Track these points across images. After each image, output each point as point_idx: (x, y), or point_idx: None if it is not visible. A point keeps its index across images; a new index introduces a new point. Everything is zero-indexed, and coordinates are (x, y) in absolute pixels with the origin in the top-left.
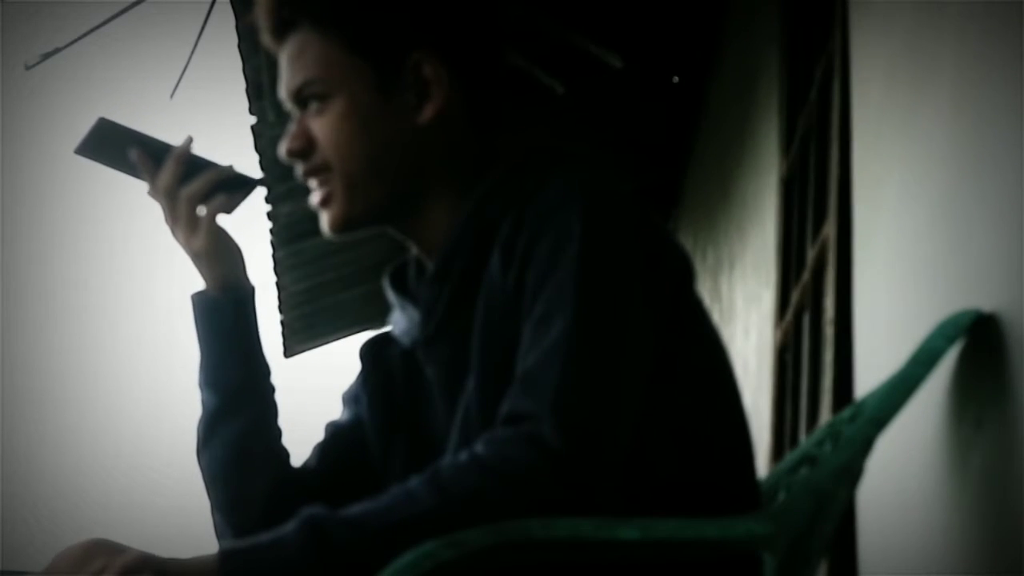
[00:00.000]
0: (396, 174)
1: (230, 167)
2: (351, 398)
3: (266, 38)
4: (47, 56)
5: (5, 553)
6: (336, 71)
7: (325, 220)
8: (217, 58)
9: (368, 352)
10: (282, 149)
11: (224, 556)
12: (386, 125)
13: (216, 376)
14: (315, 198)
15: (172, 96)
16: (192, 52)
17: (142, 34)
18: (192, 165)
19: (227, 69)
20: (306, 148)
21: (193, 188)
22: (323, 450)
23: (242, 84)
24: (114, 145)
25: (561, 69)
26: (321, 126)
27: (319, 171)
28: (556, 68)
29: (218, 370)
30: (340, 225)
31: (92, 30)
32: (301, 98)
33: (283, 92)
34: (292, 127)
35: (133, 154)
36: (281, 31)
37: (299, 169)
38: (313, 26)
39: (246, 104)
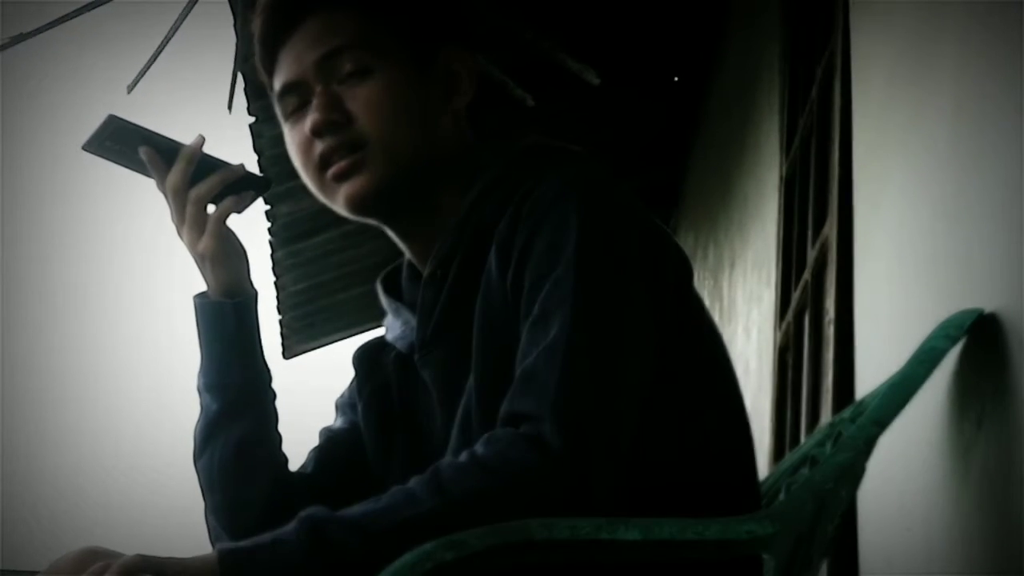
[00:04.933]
0: (425, 156)
1: (241, 167)
2: (346, 405)
3: (273, 26)
4: (13, 41)
5: (5, 553)
6: (377, 43)
7: (349, 190)
8: (215, 58)
9: (362, 359)
10: (314, 120)
11: (224, 556)
12: (423, 106)
13: (217, 380)
14: (336, 168)
15: (130, 91)
16: (160, 48)
17: (144, 34)
18: (203, 165)
19: (224, 69)
20: (342, 118)
21: (203, 189)
22: (320, 456)
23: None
24: (123, 142)
25: (560, 68)
26: (365, 93)
27: (352, 143)
28: (555, 67)
29: (220, 374)
30: (367, 194)
31: (64, 18)
32: (333, 66)
33: (295, 70)
34: (318, 101)
35: (143, 152)
36: (298, 15)
37: (325, 144)
38: (345, 7)
39: (236, 102)
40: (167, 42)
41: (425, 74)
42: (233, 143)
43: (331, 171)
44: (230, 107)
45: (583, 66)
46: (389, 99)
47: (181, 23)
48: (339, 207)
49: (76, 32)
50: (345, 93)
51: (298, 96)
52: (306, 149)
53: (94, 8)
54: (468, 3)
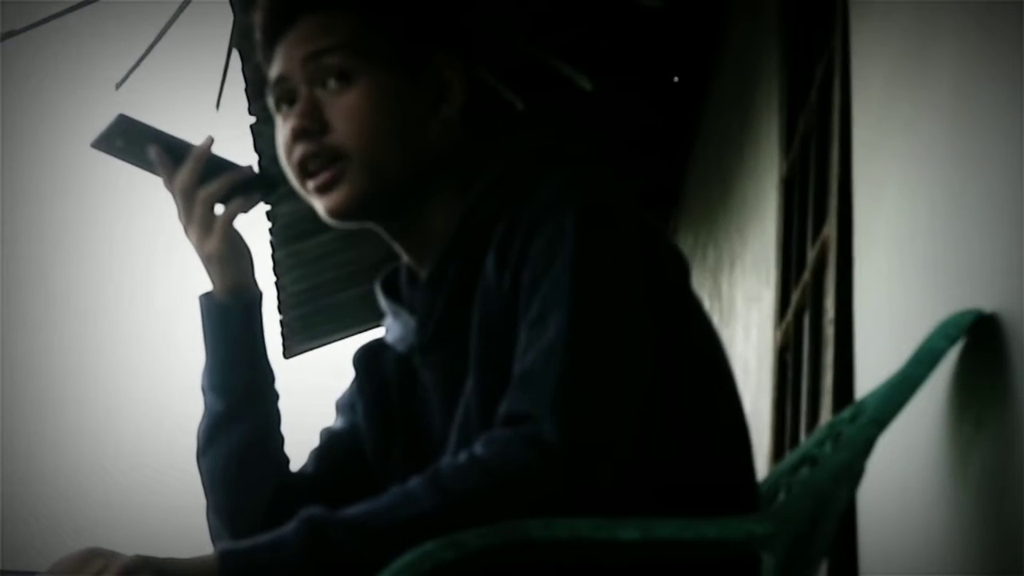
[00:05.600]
0: (411, 165)
1: (250, 168)
2: (345, 406)
3: (271, 19)
4: (5, 36)
5: (5, 553)
6: (365, 49)
7: (329, 202)
8: (213, 58)
9: (362, 360)
10: (291, 125)
11: (224, 556)
12: (409, 113)
13: (222, 380)
14: (316, 181)
15: (118, 88)
16: (151, 47)
17: (145, 33)
18: (212, 165)
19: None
20: (319, 127)
21: (211, 189)
22: (320, 457)
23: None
24: (132, 141)
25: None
26: (345, 103)
27: (329, 153)
28: (555, 69)
29: (224, 374)
30: (348, 207)
31: (51, 17)
32: (317, 69)
33: (285, 65)
34: (299, 105)
35: (152, 151)
36: (296, 11)
37: (303, 149)
38: (344, 7)
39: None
40: (158, 40)
41: (415, 80)
42: (231, 143)
43: (310, 183)
44: (218, 105)
45: (576, 72)
46: (369, 110)
47: (172, 23)
48: (321, 214)
49: (76, 32)
50: (327, 100)
51: (285, 92)
52: (288, 150)
53: (83, 7)
54: (466, 10)
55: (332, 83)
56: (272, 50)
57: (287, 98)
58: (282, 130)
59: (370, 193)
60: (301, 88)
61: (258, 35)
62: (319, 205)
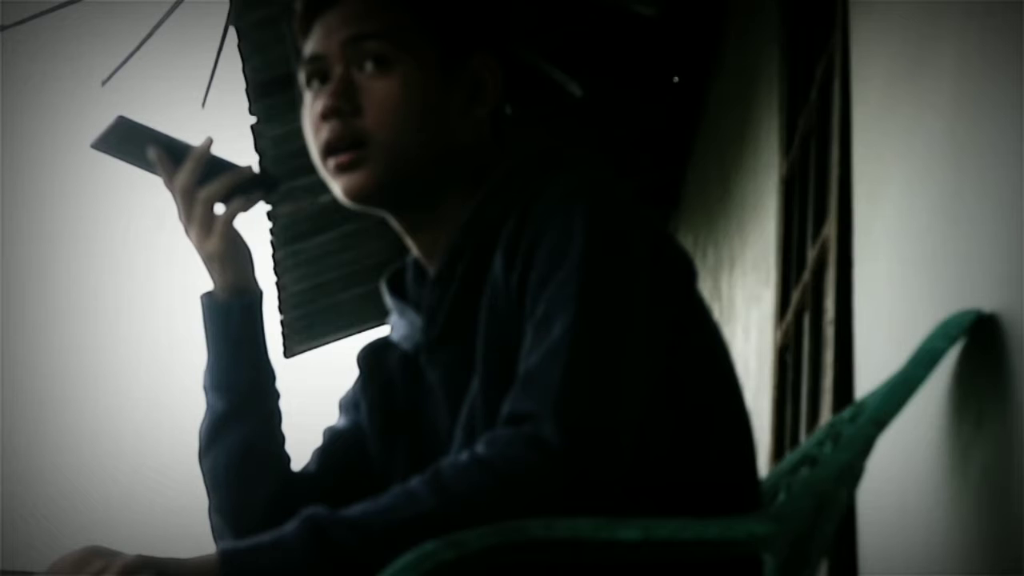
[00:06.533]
0: (431, 161)
1: (249, 168)
2: (349, 404)
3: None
4: None
5: (5, 553)
6: (406, 39)
7: (346, 183)
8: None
9: (366, 358)
10: (324, 104)
11: (224, 556)
12: (439, 110)
13: (223, 379)
14: (337, 159)
15: (103, 84)
16: (140, 45)
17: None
18: (211, 165)
19: (231, 68)
20: (351, 108)
21: (211, 189)
22: (323, 455)
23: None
24: (132, 142)
25: (563, 68)
26: (379, 90)
27: (355, 136)
28: (559, 67)
29: (226, 374)
30: (363, 191)
31: (46, 11)
32: (357, 52)
33: (323, 43)
34: (333, 84)
35: (151, 152)
36: None
37: (331, 129)
38: None
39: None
40: (146, 40)
41: (450, 78)
42: (228, 143)
43: (331, 161)
44: (204, 104)
45: (566, 77)
46: (403, 100)
47: (162, 23)
48: (338, 195)
49: (77, 32)
50: (363, 83)
51: (320, 69)
52: (315, 128)
53: (73, 3)
54: (508, 13)
55: (369, 66)
56: (310, 25)
57: (320, 75)
58: (312, 107)
59: (386, 181)
60: (337, 68)
61: (298, 7)
62: (336, 185)
